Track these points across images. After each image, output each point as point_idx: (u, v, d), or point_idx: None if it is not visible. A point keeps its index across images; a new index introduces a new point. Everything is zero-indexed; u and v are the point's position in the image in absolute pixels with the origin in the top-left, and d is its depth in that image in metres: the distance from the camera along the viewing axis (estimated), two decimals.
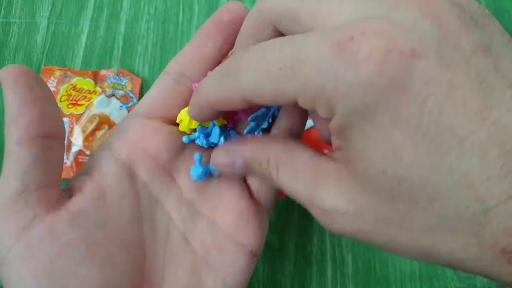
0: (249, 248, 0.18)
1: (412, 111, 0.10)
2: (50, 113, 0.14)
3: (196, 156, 0.18)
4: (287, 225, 0.31)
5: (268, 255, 0.30)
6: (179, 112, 0.19)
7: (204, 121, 0.18)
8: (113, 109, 0.32)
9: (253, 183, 0.20)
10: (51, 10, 0.36)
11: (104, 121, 0.32)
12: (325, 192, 0.13)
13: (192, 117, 0.17)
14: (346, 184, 0.13)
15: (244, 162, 0.16)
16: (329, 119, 0.12)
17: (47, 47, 0.35)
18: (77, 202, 0.15)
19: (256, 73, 0.13)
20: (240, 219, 0.18)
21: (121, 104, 0.33)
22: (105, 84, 0.33)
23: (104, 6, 0.37)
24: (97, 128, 0.32)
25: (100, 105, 0.32)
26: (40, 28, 0.36)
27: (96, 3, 0.37)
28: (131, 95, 0.33)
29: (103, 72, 0.34)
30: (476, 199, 0.10)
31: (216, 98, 0.15)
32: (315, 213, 0.14)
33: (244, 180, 0.20)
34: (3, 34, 0.35)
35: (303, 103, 0.12)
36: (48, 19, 0.36)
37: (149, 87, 0.35)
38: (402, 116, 0.10)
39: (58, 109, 0.15)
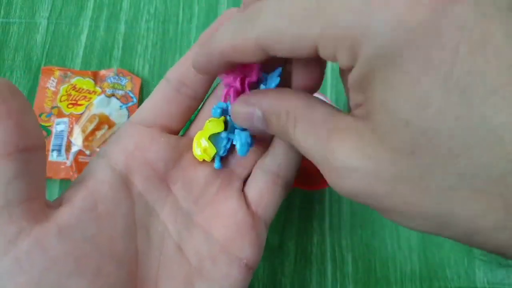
0: (245, 261, 0.18)
1: (444, 57, 0.09)
2: (27, 125, 0.14)
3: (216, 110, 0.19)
4: (287, 225, 0.31)
5: (268, 255, 0.30)
6: (178, 120, 0.19)
7: (206, 73, 0.17)
8: (113, 109, 0.32)
9: (252, 195, 0.19)
10: (51, 10, 0.36)
11: (104, 121, 0.32)
12: (339, 146, 0.12)
13: (196, 65, 0.17)
14: (363, 139, 0.12)
15: (263, 114, 0.16)
16: (349, 70, 0.12)
17: (47, 47, 0.35)
18: (66, 214, 0.15)
19: (277, 15, 0.12)
20: (236, 231, 0.18)
21: (121, 104, 0.33)
22: (105, 84, 0.33)
23: (104, 6, 0.37)
24: (97, 128, 0.32)
25: (100, 105, 0.32)
26: (40, 28, 0.36)
27: (96, 3, 0.37)
28: (131, 95, 0.33)
29: (103, 72, 0.34)
30: (504, 157, 0.09)
31: (230, 44, 0.14)
32: (325, 169, 0.13)
33: (242, 191, 0.20)
34: (3, 34, 0.35)
35: (324, 50, 0.11)
36: (48, 19, 0.36)
37: (149, 87, 0.35)
38: (433, 61, 0.10)
39: (35, 119, 0.14)
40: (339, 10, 0.11)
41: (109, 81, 0.33)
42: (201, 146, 0.19)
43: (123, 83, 0.33)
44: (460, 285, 0.30)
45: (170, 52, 0.35)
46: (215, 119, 0.19)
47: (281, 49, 0.12)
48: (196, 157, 0.19)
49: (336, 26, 0.11)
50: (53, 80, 0.33)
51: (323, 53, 0.12)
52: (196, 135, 0.19)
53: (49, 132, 0.32)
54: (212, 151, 0.19)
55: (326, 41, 0.11)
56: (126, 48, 0.35)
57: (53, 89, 0.33)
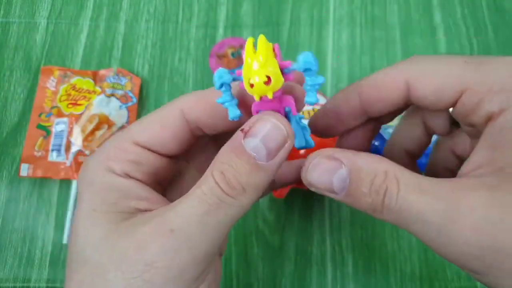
0: None
1: None
2: None
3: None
4: (287, 225, 0.31)
5: (268, 255, 0.30)
6: None
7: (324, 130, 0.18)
8: (113, 109, 0.32)
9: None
10: (50, 10, 0.36)
11: (103, 121, 0.32)
12: (475, 203, 0.13)
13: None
14: (498, 193, 0.13)
15: (350, 172, 0.14)
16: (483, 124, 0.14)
17: (47, 46, 0.35)
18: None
19: (432, 61, 0.15)
20: None
21: (121, 104, 0.33)
22: (105, 84, 0.33)
23: (104, 6, 0.37)
24: (97, 128, 0.32)
25: (99, 105, 0.32)
26: (40, 27, 0.36)
27: (95, 2, 0.37)
28: (131, 94, 0.33)
29: (102, 71, 0.34)
30: None
31: (374, 82, 0.16)
32: (452, 228, 0.13)
33: None
34: (3, 34, 0.35)
35: (471, 96, 0.14)
36: (48, 18, 0.36)
37: (148, 87, 0.35)
38: None
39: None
40: (496, 66, 0.14)
41: (108, 81, 0.33)
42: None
43: (122, 83, 0.33)
44: (460, 285, 0.30)
45: (169, 51, 0.35)
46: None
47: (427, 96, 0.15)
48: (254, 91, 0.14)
49: (490, 78, 0.14)
50: (52, 80, 0.33)
51: (468, 100, 0.14)
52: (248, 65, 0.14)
53: (48, 132, 0.32)
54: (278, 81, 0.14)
55: (478, 88, 0.14)
56: (125, 48, 0.35)
57: (52, 89, 0.33)
